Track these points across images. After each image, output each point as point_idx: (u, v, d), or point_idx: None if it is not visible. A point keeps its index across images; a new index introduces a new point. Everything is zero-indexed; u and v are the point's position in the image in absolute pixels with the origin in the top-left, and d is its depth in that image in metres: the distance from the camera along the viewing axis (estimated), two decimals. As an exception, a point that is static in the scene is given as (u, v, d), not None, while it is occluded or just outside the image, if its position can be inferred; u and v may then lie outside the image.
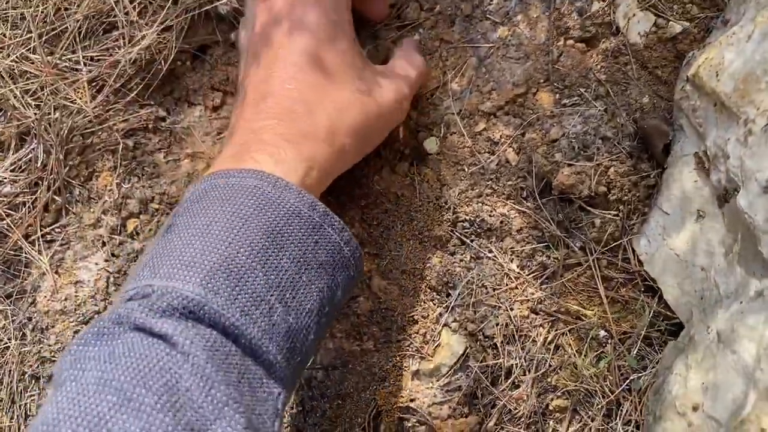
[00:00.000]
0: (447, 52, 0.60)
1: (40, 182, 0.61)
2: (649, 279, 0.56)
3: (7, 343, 0.60)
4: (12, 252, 0.61)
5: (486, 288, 0.57)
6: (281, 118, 0.47)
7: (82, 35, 0.61)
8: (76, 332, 0.60)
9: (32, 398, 0.60)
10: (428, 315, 0.58)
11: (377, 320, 0.59)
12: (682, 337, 0.54)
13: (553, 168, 0.56)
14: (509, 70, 0.59)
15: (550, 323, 0.57)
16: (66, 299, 0.60)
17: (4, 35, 0.60)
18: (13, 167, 0.61)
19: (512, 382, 0.57)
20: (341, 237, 0.45)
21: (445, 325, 0.58)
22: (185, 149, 0.62)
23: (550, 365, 0.56)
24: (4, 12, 0.61)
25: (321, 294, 0.43)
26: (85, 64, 0.61)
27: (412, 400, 0.57)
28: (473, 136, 0.58)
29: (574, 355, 0.56)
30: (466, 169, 0.58)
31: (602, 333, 0.56)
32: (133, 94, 0.61)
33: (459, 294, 0.58)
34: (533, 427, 0.56)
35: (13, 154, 0.61)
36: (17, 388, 0.60)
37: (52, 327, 0.60)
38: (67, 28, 0.60)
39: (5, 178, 0.61)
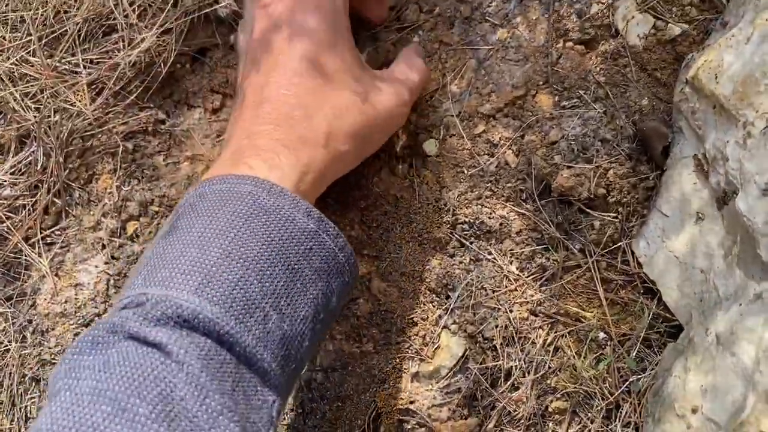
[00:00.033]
0: (446, 54, 0.60)
1: (40, 185, 0.61)
2: (648, 281, 0.56)
3: (7, 345, 0.60)
4: (12, 255, 0.61)
5: (485, 290, 0.57)
6: (278, 123, 0.47)
7: (81, 38, 0.61)
8: (76, 334, 0.60)
9: (32, 401, 0.60)
10: (428, 317, 0.58)
11: (377, 322, 0.59)
12: (681, 339, 0.54)
13: (552, 170, 0.56)
14: (508, 72, 0.59)
15: (549, 325, 0.57)
16: (66, 302, 0.60)
17: (4, 38, 0.60)
18: (13, 170, 0.61)
19: (512, 383, 0.57)
20: (336, 243, 0.45)
21: (445, 327, 0.58)
22: (185, 152, 0.62)
23: (549, 367, 0.57)
24: (4, 15, 0.61)
25: (316, 301, 0.43)
26: (84, 67, 0.61)
27: (411, 402, 0.57)
28: (472, 138, 0.59)
29: (574, 357, 0.56)
30: (466, 171, 0.58)
31: (602, 335, 0.56)
32: (132, 97, 0.61)
33: (458, 296, 0.58)
34: (533, 429, 0.57)
35: (13, 156, 0.61)
36: (17, 391, 0.60)
37: (53, 329, 0.60)
38: (66, 31, 0.60)
39: (5, 181, 0.61)
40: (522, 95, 0.58)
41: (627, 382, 0.56)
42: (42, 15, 0.60)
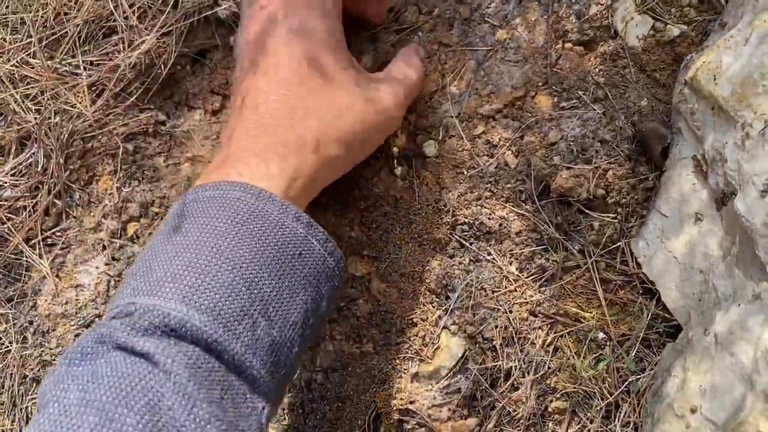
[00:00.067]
0: (446, 55, 0.60)
1: (41, 186, 0.61)
2: (647, 281, 0.56)
3: (8, 346, 0.60)
4: (13, 256, 0.61)
5: (485, 291, 0.58)
6: (267, 129, 0.47)
7: (81, 40, 0.61)
8: (77, 335, 0.60)
9: (33, 401, 0.60)
10: (427, 317, 0.58)
11: (377, 323, 0.59)
12: (680, 340, 0.54)
13: (551, 171, 0.56)
14: (508, 73, 0.59)
15: (549, 325, 0.57)
16: (67, 303, 0.61)
17: (4, 40, 0.61)
18: (13, 171, 0.61)
19: (511, 384, 0.57)
20: (325, 248, 0.45)
21: (445, 327, 0.58)
22: (185, 153, 0.62)
23: (549, 367, 0.57)
24: (4, 17, 0.61)
25: (305, 306, 0.43)
26: (85, 69, 0.61)
27: (411, 403, 0.57)
28: (472, 139, 0.59)
29: (573, 357, 0.56)
30: (465, 172, 0.58)
31: (601, 335, 0.57)
32: (133, 98, 0.61)
33: (458, 297, 0.58)
34: (532, 429, 0.57)
35: (13, 158, 0.61)
36: (18, 392, 0.60)
37: (53, 330, 0.61)
38: (66, 32, 0.60)
39: (6, 183, 0.61)
40: (521, 96, 0.58)
41: (626, 382, 0.56)
42: (42, 17, 0.60)
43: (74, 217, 0.62)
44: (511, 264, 0.58)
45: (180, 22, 0.60)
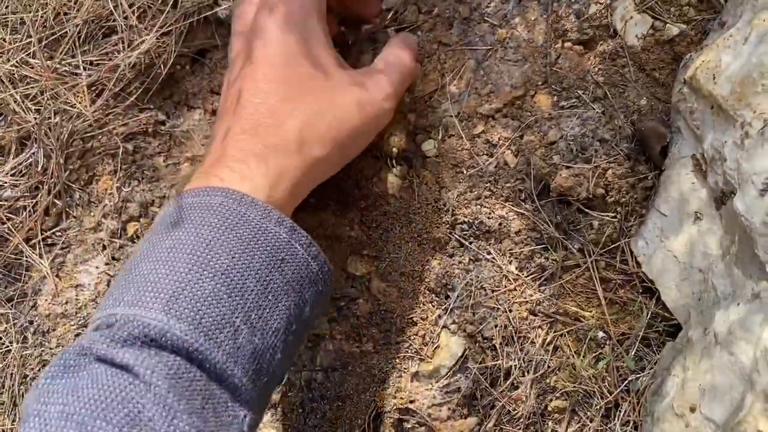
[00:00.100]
0: (445, 54, 0.60)
1: (41, 186, 0.61)
2: (647, 280, 0.56)
3: (8, 346, 0.60)
4: (13, 256, 0.61)
5: (485, 290, 0.58)
6: (250, 132, 0.46)
7: (81, 40, 0.61)
8: (77, 335, 0.60)
9: (34, 401, 0.61)
10: (427, 317, 0.58)
11: (376, 322, 0.59)
12: (680, 339, 0.54)
13: (551, 170, 0.57)
14: (507, 72, 0.59)
15: (548, 324, 0.57)
16: (67, 302, 0.61)
17: (4, 40, 0.61)
18: (13, 171, 0.61)
19: (511, 383, 0.57)
20: (309, 252, 0.44)
21: (444, 326, 0.58)
22: (185, 153, 0.62)
23: (548, 366, 0.57)
24: (4, 17, 0.61)
25: (288, 312, 0.43)
26: (84, 69, 0.61)
27: (411, 402, 0.57)
28: (471, 139, 0.59)
29: (573, 356, 0.56)
30: (465, 172, 0.58)
31: (600, 334, 0.57)
32: (132, 98, 0.61)
33: (458, 296, 0.58)
34: (532, 428, 0.57)
35: (13, 158, 0.61)
36: (19, 392, 0.60)
37: (54, 330, 0.61)
38: (66, 32, 0.60)
39: (6, 183, 0.61)
40: (521, 95, 0.58)
41: (626, 381, 0.56)
42: (42, 17, 0.60)
43: (74, 217, 0.62)
44: (510, 263, 0.58)
45: (180, 22, 0.60)
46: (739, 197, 0.45)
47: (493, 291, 0.57)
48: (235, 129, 0.46)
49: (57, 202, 0.61)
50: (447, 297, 0.58)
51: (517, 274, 0.58)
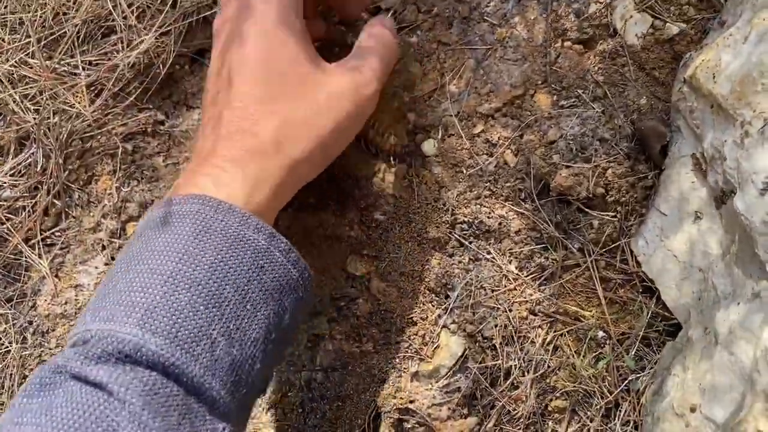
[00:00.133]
0: (445, 54, 0.60)
1: (40, 186, 0.61)
2: (647, 280, 0.56)
3: (8, 346, 0.60)
4: (12, 256, 0.61)
5: (485, 289, 0.58)
6: (227, 137, 0.45)
7: (80, 40, 0.61)
8: (76, 335, 0.60)
9: (33, 401, 0.60)
10: (427, 317, 0.58)
11: (376, 322, 0.59)
12: (680, 338, 0.54)
13: (551, 169, 0.56)
14: (507, 71, 0.59)
15: (548, 324, 0.57)
16: (66, 303, 0.61)
17: (3, 40, 0.61)
18: (12, 171, 0.61)
19: (511, 383, 0.57)
20: (288, 258, 0.44)
21: (444, 326, 0.58)
22: (184, 152, 0.62)
23: (548, 366, 0.57)
24: (3, 17, 0.61)
25: (267, 321, 0.42)
26: (83, 69, 0.61)
27: (411, 402, 0.57)
28: (471, 138, 0.59)
29: (573, 356, 0.56)
30: (465, 171, 0.58)
31: (601, 334, 0.57)
32: (131, 98, 0.61)
33: (458, 295, 0.58)
34: (532, 427, 0.57)
35: (12, 158, 0.61)
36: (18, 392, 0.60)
37: (53, 330, 0.61)
38: (65, 32, 0.60)
39: (5, 183, 0.61)
40: (520, 95, 0.58)
41: (626, 381, 0.56)
42: (41, 17, 0.60)
43: (73, 217, 0.62)
44: (510, 263, 0.58)
45: (179, 21, 0.60)
46: (739, 196, 0.45)
47: (493, 291, 0.57)
48: (213, 135, 0.46)
49: (56, 202, 0.61)
50: (447, 297, 0.58)
51: (517, 274, 0.57)
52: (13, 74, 0.60)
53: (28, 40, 0.60)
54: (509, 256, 0.58)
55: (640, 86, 0.57)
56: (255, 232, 0.42)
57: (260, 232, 0.43)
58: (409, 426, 0.57)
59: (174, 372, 0.37)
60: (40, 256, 0.61)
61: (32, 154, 0.61)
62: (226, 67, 0.48)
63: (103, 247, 0.61)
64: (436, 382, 0.57)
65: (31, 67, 0.60)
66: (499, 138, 0.58)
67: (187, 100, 0.63)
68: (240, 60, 0.47)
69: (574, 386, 0.56)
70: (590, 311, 0.57)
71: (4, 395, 0.60)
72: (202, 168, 0.45)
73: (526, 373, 0.57)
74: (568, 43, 0.58)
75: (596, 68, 0.57)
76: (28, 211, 0.61)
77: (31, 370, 0.60)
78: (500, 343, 0.57)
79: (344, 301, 0.59)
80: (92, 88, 0.61)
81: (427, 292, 0.58)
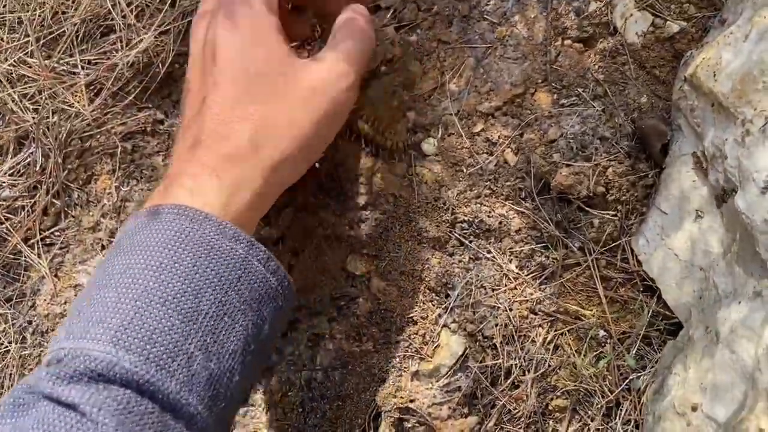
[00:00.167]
0: (445, 52, 0.60)
1: (39, 186, 0.61)
2: (647, 279, 0.56)
3: (7, 346, 0.60)
4: (11, 256, 0.61)
5: (485, 288, 0.57)
6: (203, 144, 0.44)
7: (79, 39, 0.61)
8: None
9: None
10: (427, 316, 0.58)
11: (376, 321, 0.59)
12: (681, 337, 0.54)
13: (551, 168, 0.56)
14: (507, 70, 0.59)
15: (549, 323, 0.57)
16: (66, 302, 0.60)
17: (2, 39, 0.60)
18: (11, 171, 0.61)
19: (512, 382, 0.57)
20: (267, 267, 0.43)
21: (445, 325, 0.58)
22: (184, 152, 0.62)
23: (549, 365, 0.57)
24: (2, 16, 0.61)
25: (245, 332, 0.41)
26: (82, 68, 0.61)
27: (411, 401, 0.57)
28: (471, 137, 0.59)
29: (574, 355, 0.56)
30: (465, 170, 0.58)
31: (601, 333, 0.57)
32: (131, 98, 0.61)
33: (458, 295, 0.58)
34: (533, 427, 0.57)
35: (11, 158, 0.61)
36: (18, 392, 0.60)
37: (52, 330, 0.60)
38: (64, 31, 0.60)
39: (4, 182, 0.61)
40: (521, 93, 0.58)
41: (627, 380, 0.56)
42: (39, 16, 0.60)
43: (73, 217, 0.62)
44: (510, 262, 0.58)
45: (178, 20, 0.60)
46: (740, 195, 0.45)
47: (493, 290, 0.57)
48: (190, 140, 0.45)
49: (55, 201, 0.61)
50: (447, 296, 0.58)
51: (517, 273, 0.57)
52: (12, 73, 0.60)
53: (27, 39, 0.60)
54: (509, 255, 0.58)
55: (640, 85, 0.57)
56: (232, 242, 0.41)
57: (238, 242, 0.41)
58: (410, 425, 0.57)
59: (149, 389, 0.36)
60: (39, 256, 0.61)
61: (31, 153, 0.61)
62: (202, 69, 0.47)
63: (103, 247, 0.61)
64: (437, 381, 0.57)
65: (30, 67, 0.60)
66: (499, 137, 0.58)
67: (186, 99, 0.63)
68: (216, 61, 0.46)
69: (575, 385, 0.56)
70: (591, 310, 0.57)
71: (4, 395, 0.60)
72: (178, 176, 0.44)
73: (526, 373, 0.56)
74: (568, 42, 0.58)
75: (597, 67, 0.57)
76: (28, 210, 0.61)
77: (31, 370, 0.60)
78: (501, 343, 0.57)
79: (344, 301, 0.59)
80: (91, 88, 0.61)
81: (428, 291, 0.58)
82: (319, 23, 0.60)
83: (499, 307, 0.57)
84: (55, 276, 0.61)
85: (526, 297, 0.57)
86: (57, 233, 0.62)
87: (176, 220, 0.40)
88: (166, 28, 0.60)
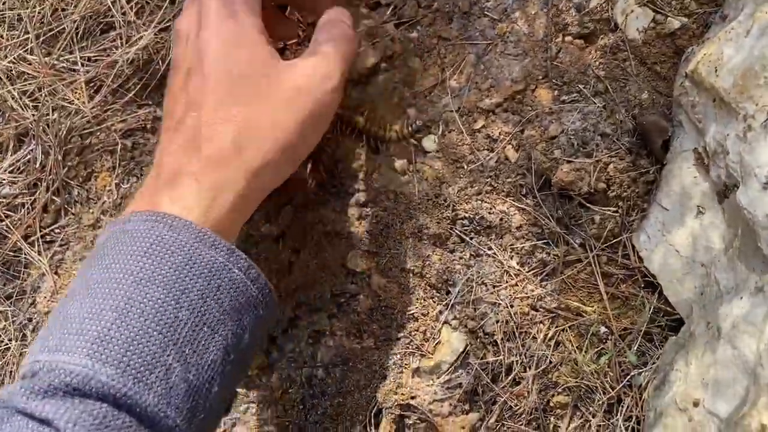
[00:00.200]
0: (445, 49, 0.60)
1: (39, 183, 0.61)
2: (649, 275, 0.56)
3: (7, 344, 0.60)
4: (11, 253, 0.61)
5: (486, 285, 0.57)
6: (184, 148, 0.43)
7: (79, 36, 0.61)
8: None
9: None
10: (428, 312, 0.58)
11: (377, 318, 0.59)
12: (682, 333, 0.54)
13: (552, 165, 0.56)
14: (508, 66, 0.59)
15: (550, 320, 0.57)
16: (66, 300, 0.60)
17: (2, 36, 0.60)
18: (11, 168, 0.61)
19: (513, 378, 0.57)
20: (248, 275, 0.42)
21: (445, 322, 0.58)
22: (184, 149, 0.62)
23: (550, 362, 0.57)
24: (1, 13, 0.61)
25: (225, 342, 0.40)
26: (82, 65, 0.60)
27: (412, 398, 0.57)
28: (472, 134, 0.58)
29: (575, 352, 0.56)
30: (465, 167, 0.58)
31: (602, 329, 0.56)
32: (130, 95, 0.61)
33: (459, 291, 0.58)
34: (534, 423, 0.57)
35: (11, 155, 0.61)
36: (18, 389, 0.60)
37: (53, 328, 0.60)
38: (64, 28, 0.60)
39: (4, 180, 0.61)
40: (521, 90, 0.58)
41: (628, 376, 0.56)
42: (39, 13, 0.60)
43: (73, 214, 0.62)
44: (511, 258, 0.57)
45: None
46: (742, 190, 0.45)
47: (494, 286, 0.57)
48: (169, 147, 0.44)
49: (55, 199, 0.61)
50: (448, 293, 0.58)
51: (518, 270, 0.57)
52: (11, 71, 0.60)
53: (26, 36, 0.60)
54: (510, 252, 0.58)
55: (641, 81, 0.57)
56: (212, 249, 0.40)
57: (217, 249, 0.41)
58: (411, 422, 0.57)
59: (126, 402, 0.36)
60: (39, 253, 0.61)
61: (31, 150, 0.61)
62: (185, 71, 0.46)
63: (103, 244, 0.61)
64: (438, 378, 0.57)
65: (30, 64, 0.60)
66: (500, 133, 0.58)
67: (186, 96, 0.62)
68: (199, 63, 0.45)
69: (576, 382, 0.56)
70: (592, 307, 0.57)
71: (4, 393, 0.60)
72: (158, 182, 0.43)
73: (527, 369, 0.56)
74: (569, 38, 0.58)
75: (597, 63, 0.57)
76: (28, 208, 0.61)
77: (31, 367, 0.60)
78: (502, 339, 0.57)
79: (345, 298, 0.59)
80: (91, 85, 0.61)
81: (428, 288, 0.58)
82: (303, 24, 0.60)
83: (500, 304, 0.57)
84: (56, 273, 0.61)
85: (527, 293, 0.57)
86: (57, 230, 0.62)
87: (154, 228, 0.40)
88: (166, 25, 0.60)
